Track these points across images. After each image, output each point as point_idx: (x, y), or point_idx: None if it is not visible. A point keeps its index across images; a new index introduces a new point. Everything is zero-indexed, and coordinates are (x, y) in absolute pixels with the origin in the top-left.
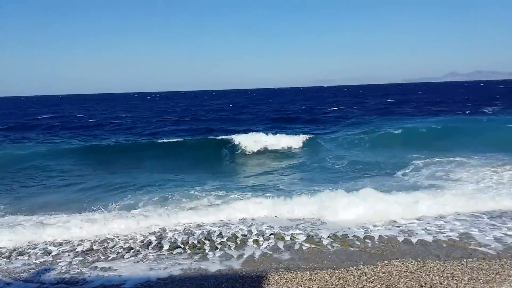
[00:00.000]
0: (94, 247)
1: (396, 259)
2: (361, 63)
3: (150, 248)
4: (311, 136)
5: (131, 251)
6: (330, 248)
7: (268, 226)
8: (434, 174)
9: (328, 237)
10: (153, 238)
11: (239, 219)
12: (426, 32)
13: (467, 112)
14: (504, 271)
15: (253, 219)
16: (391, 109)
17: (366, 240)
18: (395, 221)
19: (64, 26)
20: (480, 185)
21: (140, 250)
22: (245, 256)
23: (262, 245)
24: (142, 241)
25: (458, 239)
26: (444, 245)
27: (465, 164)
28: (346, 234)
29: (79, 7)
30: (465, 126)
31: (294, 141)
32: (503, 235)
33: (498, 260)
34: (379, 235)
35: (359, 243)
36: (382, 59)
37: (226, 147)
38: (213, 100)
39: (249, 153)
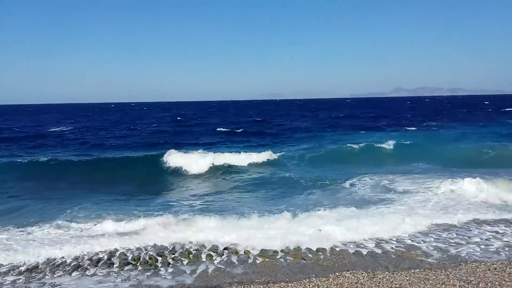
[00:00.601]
0: (40, 265)
1: (347, 271)
2: (312, 78)
3: (99, 265)
4: (264, 150)
5: (79, 268)
6: (283, 261)
7: (220, 242)
8: (381, 188)
9: (281, 250)
10: (102, 256)
11: (191, 238)
12: (374, 49)
13: (412, 128)
14: (449, 281)
15: (205, 237)
16: (342, 123)
17: (318, 253)
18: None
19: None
20: (424, 199)
21: (89, 267)
22: (198, 272)
23: (215, 260)
24: (90, 259)
25: (405, 250)
26: (393, 256)
27: (410, 178)
28: (299, 247)
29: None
30: (412, 141)
31: (245, 157)
32: (447, 245)
33: (443, 270)
34: (331, 247)
35: (311, 256)
36: (332, 75)
37: (173, 163)
38: (165, 111)
39: (197, 171)
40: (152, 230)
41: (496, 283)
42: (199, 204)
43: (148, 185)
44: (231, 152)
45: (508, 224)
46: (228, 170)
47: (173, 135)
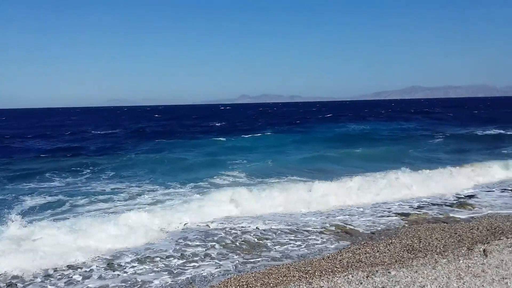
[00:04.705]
0: None
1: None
2: (164, 84)
3: None
4: None
5: None
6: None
7: None
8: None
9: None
10: None
11: None
12: (221, 58)
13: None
14: (290, 273)
15: None
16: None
17: None
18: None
19: None
20: None
21: None
22: None
23: None
24: None
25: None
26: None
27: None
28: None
29: None
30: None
31: None
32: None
33: (285, 264)
34: None
35: None
36: (186, 81)
37: None
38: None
39: None
40: None
41: (329, 270)
42: None
43: None
44: None
45: None
46: None
47: None
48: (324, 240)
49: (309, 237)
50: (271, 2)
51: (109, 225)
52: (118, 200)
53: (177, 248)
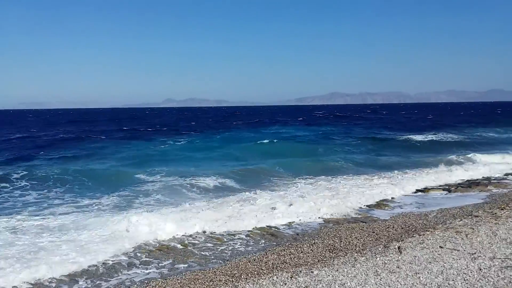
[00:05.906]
0: None
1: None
2: (81, 86)
3: None
4: None
5: None
6: None
7: None
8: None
9: None
10: None
11: None
12: (145, 59)
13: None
14: (216, 277)
15: None
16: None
17: None
18: None
19: None
20: None
21: None
22: None
23: None
24: None
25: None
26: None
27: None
28: None
29: None
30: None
31: None
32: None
33: (211, 269)
34: None
35: None
36: (106, 83)
37: None
38: None
39: None
40: None
41: (255, 272)
42: None
43: None
44: None
45: None
46: None
47: None
48: (250, 243)
49: (235, 241)
50: (197, 6)
51: (17, 238)
52: (27, 213)
53: (100, 259)
